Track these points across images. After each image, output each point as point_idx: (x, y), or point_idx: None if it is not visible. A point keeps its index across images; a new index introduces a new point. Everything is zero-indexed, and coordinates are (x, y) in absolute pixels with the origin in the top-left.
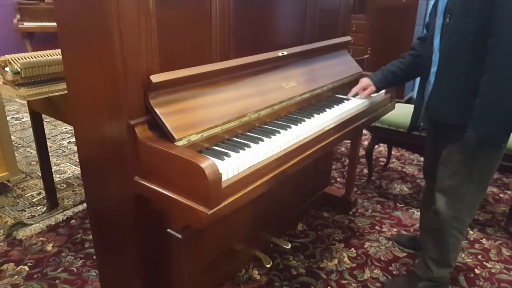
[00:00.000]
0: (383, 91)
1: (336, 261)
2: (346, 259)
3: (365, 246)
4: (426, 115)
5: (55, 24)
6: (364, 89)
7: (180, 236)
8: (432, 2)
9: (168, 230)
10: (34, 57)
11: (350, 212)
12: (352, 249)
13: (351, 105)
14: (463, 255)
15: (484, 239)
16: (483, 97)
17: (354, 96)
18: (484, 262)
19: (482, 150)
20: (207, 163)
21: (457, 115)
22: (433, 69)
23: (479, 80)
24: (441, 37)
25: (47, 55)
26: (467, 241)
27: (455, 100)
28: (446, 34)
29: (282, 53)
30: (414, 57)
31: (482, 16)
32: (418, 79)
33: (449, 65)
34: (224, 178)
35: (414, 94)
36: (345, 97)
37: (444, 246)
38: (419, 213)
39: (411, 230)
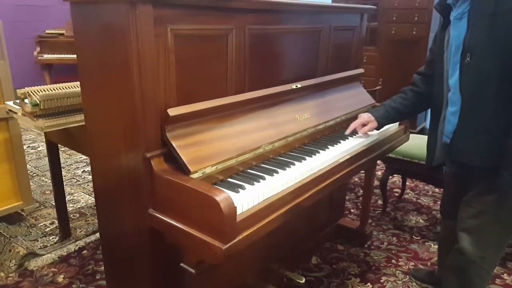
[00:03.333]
0: (396, 124)
1: None
2: None
3: (381, 280)
4: (449, 156)
5: (73, 56)
6: (364, 124)
7: (193, 271)
8: None
9: (182, 264)
10: (53, 89)
11: (366, 245)
12: (369, 283)
13: (365, 137)
14: None
15: (505, 274)
16: None
17: (352, 133)
18: None
19: None
20: (222, 196)
21: (487, 157)
22: (452, 108)
23: (509, 119)
24: (460, 76)
25: (65, 88)
26: None
27: (484, 141)
28: (467, 74)
29: (296, 86)
30: (416, 94)
31: (508, 54)
32: (429, 115)
33: (475, 105)
34: (239, 212)
35: (427, 124)
36: None
37: (469, 286)
38: (436, 246)
39: (429, 264)
